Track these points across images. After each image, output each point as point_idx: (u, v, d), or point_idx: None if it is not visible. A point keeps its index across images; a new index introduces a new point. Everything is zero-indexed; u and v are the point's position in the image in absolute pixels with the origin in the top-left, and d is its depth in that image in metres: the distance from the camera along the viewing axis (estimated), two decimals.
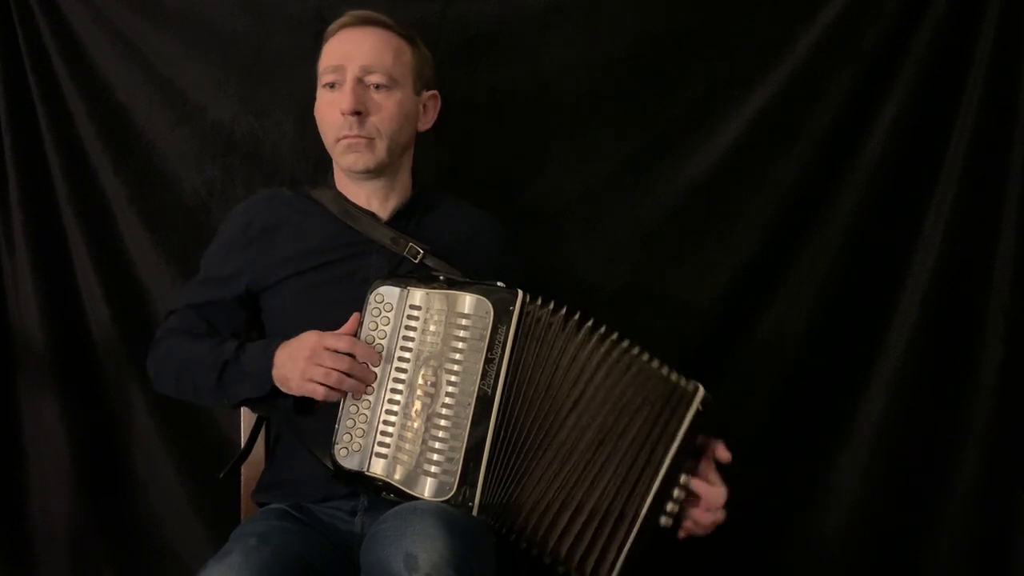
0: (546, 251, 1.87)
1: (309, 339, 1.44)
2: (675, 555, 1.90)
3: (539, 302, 1.45)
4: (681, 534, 1.48)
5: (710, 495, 1.48)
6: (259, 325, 1.64)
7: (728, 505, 1.91)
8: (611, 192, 1.90)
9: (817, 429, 1.93)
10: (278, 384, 1.46)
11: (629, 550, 1.44)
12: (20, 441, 1.92)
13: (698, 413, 1.46)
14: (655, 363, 1.47)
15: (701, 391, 1.47)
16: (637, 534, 1.44)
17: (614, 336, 1.46)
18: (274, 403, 1.51)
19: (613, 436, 1.44)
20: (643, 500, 1.45)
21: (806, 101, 1.88)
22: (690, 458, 1.47)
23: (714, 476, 1.50)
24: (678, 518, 1.48)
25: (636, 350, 1.46)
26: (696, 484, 1.48)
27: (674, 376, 1.47)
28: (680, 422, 1.46)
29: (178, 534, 1.91)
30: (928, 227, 1.88)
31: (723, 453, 1.50)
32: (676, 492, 1.46)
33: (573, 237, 1.91)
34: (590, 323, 1.46)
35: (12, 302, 1.91)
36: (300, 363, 1.42)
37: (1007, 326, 1.87)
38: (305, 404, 1.48)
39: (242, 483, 1.68)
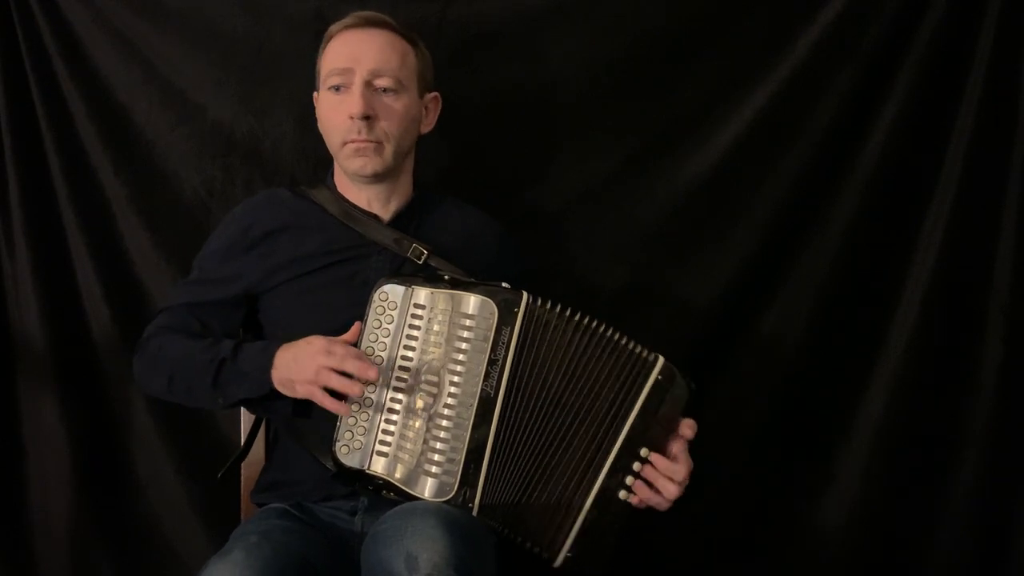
0: (546, 251, 1.87)
1: (316, 343, 1.42)
2: (675, 555, 1.91)
3: (543, 303, 1.45)
4: (633, 499, 1.46)
5: (669, 468, 1.46)
6: (255, 327, 1.63)
7: (727, 502, 1.92)
8: (611, 192, 1.90)
9: (817, 429, 1.93)
10: (278, 386, 1.45)
11: (585, 521, 1.45)
12: (20, 441, 1.92)
13: (657, 383, 1.46)
14: (623, 339, 1.46)
15: (661, 360, 1.47)
16: (592, 505, 1.45)
17: (587, 321, 1.46)
18: (270, 404, 1.50)
19: (585, 413, 1.45)
20: (599, 471, 1.45)
21: (806, 101, 1.88)
22: (657, 434, 1.47)
23: (677, 451, 1.48)
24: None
25: (606, 329, 1.46)
26: (657, 459, 1.46)
27: (637, 348, 1.47)
28: (639, 392, 1.46)
29: (178, 534, 1.90)
30: (928, 227, 1.88)
31: (686, 430, 1.48)
32: (636, 465, 1.46)
33: (573, 237, 1.91)
34: (576, 316, 1.46)
35: (12, 302, 1.91)
36: (308, 365, 1.41)
37: (1007, 326, 1.87)
38: (303, 407, 1.48)
39: (242, 483, 1.68)
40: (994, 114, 1.85)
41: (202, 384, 1.51)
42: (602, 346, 1.46)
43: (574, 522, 1.45)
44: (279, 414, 1.53)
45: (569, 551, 1.45)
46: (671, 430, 1.48)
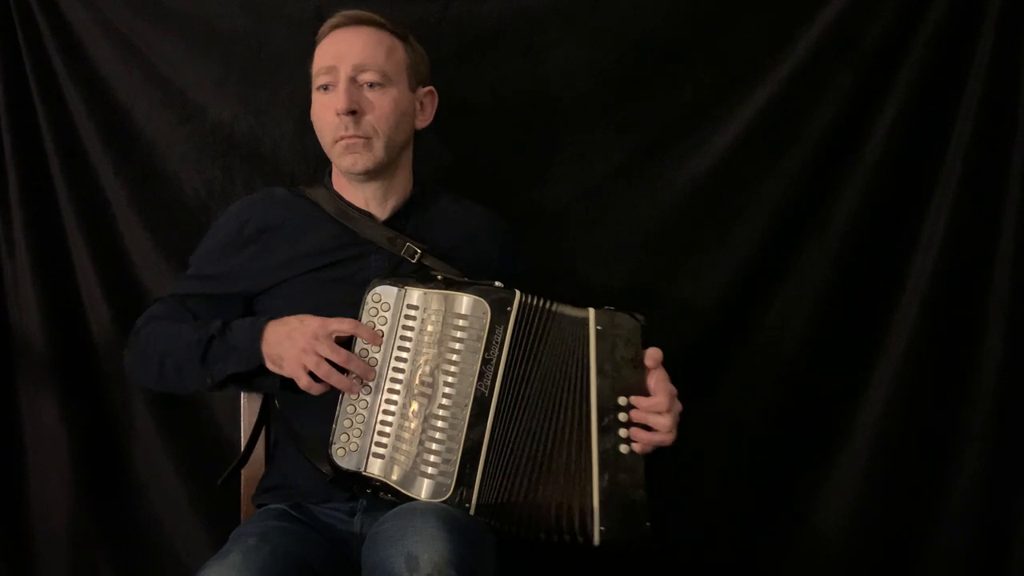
0: (547, 251, 1.87)
1: (312, 323, 1.43)
2: (675, 554, 1.91)
3: (537, 302, 1.45)
4: (636, 448, 1.46)
5: (649, 404, 1.46)
6: None
7: (728, 502, 1.92)
8: (611, 192, 1.90)
9: (817, 429, 1.93)
10: (270, 361, 1.45)
11: (602, 492, 1.44)
12: (20, 441, 1.92)
13: (599, 333, 1.47)
14: (555, 307, 1.47)
15: (591, 312, 1.47)
16: (600, 471, 1.45)
17: (550, 305, 1.46)
18: (259, 381, 1.50)
19: (560, 395, 1.46)
20: (589, 438, 1.45)
21: (806, 101, 1.88)
22: (627, 379, 1.47)
23: (655, 383, 1.48)
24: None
25: (548, 303, 1.46)
26: (636, 400, 1.47)
27: (570, 311, 1.47)
28: (588, 349, 1.47)
29: (178, 534, 1.90)
30: (928, 227, 1.88)
31: (649, 361, 1.48)
32: (622, 415, 1.46)
33: (574, 237, 1.91)
34: (553, 307, 1.46)
35: (12, 302, 1.91)
36: (300, 343, 1.41)
37: (1007, 326, 1.87)
38: (292, 382, 1.47)
39: (242, 484, 1.68)
40: (994, 114, 1.84)
41: (191, 363, 1.51)
42: (558, 323, 1.46)
43: (592, 497, 1.44)
44: (268, 390, 1.53)
45: (602, 525, 1.44)
46: (638, 367, 1.48)
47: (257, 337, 1.46)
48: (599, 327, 1.47)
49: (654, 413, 1.46)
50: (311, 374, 1.41)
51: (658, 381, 1.48)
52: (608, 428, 1.46)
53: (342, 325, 1.42)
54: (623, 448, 1.46)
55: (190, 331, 1.53)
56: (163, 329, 1.58)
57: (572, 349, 1.47)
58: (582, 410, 1.46)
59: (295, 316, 1.45)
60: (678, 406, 1.49)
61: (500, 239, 1.70)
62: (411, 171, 1.67)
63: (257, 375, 1.48)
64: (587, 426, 1.46)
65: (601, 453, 1.45)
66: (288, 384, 1.47)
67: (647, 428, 1.47)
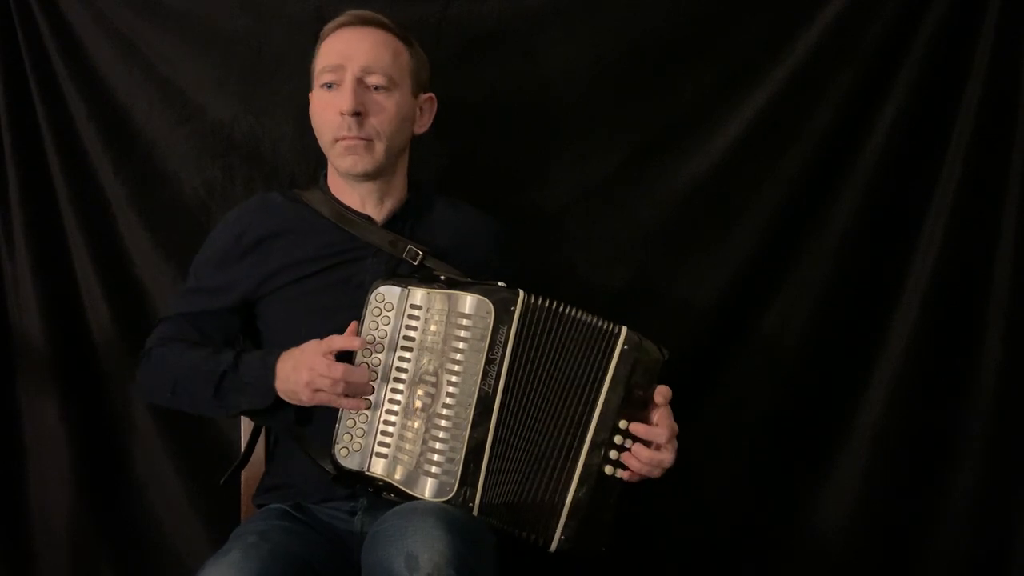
0: (546, 251, 1.88)
1: (310, 349, 1.43)
2: (675, 554, 1.91)
3: (540, 301, 1.45)
4: (624, 476, 1.47)
5: (649, 433, 1.47)
6: (253, 332, 1.64)
7: (727, 502, 1.92)
8: (611, 192, 1.90)
9: (817, 429, 1.93)
10: (286, 398, 1.46)
11: (574, 502, 1.45)
12: (20, 441, 1.92)
13: (623, 353, 1.46)
14: (590, 318, 1.47)
15: (624, 330, 1.47)
16: (579, 485, 1.45)
17: (562, 308, 1.46)
18: (275, 414, 1.50)
19: (567, 399, 1.46)
20: (580, 449, 1.46)
21: (806, 101, 1.88)
22: (634, 405, 1.47)
23: (659, 418, 1.48)
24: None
25: (577, 312, 1.46)
26: (635, 427, 1.47)
27: (603, 323, 1.47)
28: (608, 365, 1.46)
29: (178, 534, 1.90)
30: (928, 227, 1.88)
31: (659, 397, 1.48)
32: (617, 438, 1.46)
33: (573, 237, 1.91)
34: (563, 308, 1.46)
35: (12, 302, 1.91)
36: (304, 374, 1.41)
37: (1007, 326, 1.87)
38: (305, 414, 1.48)
39: (242, 483, 1.68)
40: (994, 114, 1.84)
41: (204, 394, 1.52)
42: (576, 329, 1.46)
43: (563, 505, 1.45)
44: (282, 423, 1.54)
45: (563, 534, 1.45)
46: (648, 399, 1.48)
47: (269, 375, 1.46)
48: (626, 346, 1.47)
49: (648, 444, 1.46)
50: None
51: (662, 416, 1.48)
52: (600, 444, 1.46)
53: (333, 344, 1.41)
54: (608, 469, 1.47)
55: (202, 360, 1.53)
56: (174, 354, 1.58)
57: (590, 358, 1.47)
58: (583, 418, 1.47)
59: (297, 347, 1.45)
60: (675, 444, 1.48)
61: (495, 240, 1.70)
62: (407, 175, 1.67)
63: (272, 408, 1.49)
64: (583, 435, 1.46)
65: (585, 466, 1.46)
66: (301, 418, 1.48)
67: (638, 457, 1.47)
